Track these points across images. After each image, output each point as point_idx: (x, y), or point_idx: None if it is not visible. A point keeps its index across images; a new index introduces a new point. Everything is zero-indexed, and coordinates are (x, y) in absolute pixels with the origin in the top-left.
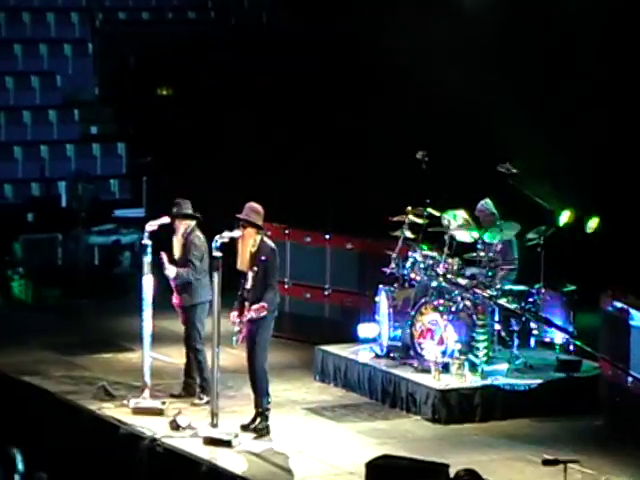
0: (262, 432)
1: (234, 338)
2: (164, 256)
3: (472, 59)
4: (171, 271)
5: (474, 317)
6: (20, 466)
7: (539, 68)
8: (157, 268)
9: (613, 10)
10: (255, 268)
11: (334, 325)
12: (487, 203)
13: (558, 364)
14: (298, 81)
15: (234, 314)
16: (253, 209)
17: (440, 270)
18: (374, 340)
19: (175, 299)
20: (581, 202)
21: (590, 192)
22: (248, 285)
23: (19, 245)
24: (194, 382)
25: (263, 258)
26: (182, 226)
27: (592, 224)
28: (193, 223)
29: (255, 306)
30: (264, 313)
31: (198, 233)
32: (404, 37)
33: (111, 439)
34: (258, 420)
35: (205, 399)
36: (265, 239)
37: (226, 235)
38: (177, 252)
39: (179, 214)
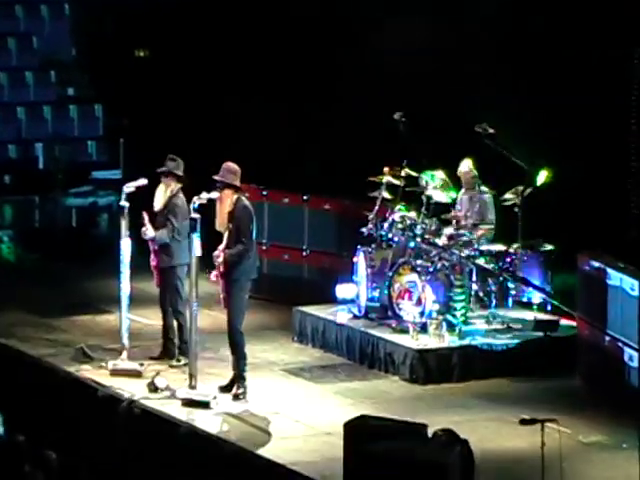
0: (241, 395)
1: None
2: (145, 217)
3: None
4: (150, 232)
5: (452, 277)
6: (0, 429)
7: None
8: (135, 230)
9: None
10: (230, 226)
11: (312, 286)
12: (468, 164)
13: (535, 324)
14: (275, 39)
15: (214, 273)
16: (229, 169)
17: (418, 231)
18: (352, 301)
19: (153, 261)
20: (558, 161)
21: (567, 151)
22: (223, 244)
23: (9, 207)
24: (172, 344)
25: (236, 217)
26: (172, 184)
27: (542, 177)
28: (180, 185)
29: (217, 253)
30: (220, 258)
31: (181, 195)
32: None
33: (89, 401)
34: (236, 384)
35: (183, 361)
36: (242, 198)
37: (204, 196)
38: (157, 205)
39: (173, 173)
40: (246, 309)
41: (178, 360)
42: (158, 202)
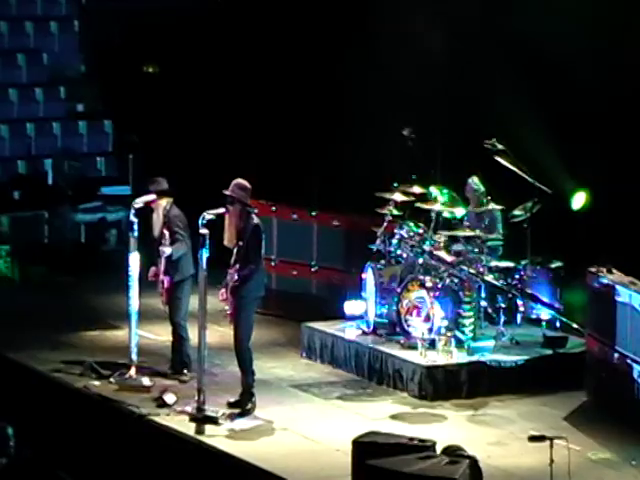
0: (249, 411)
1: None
2: (166, 233)
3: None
4: (167, 249)
5: (460, 294)
6: (11, 442)
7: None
8: (143, 245)
9: None
10: (240, 244)
11: (321, 302)
12: (475, 180)
13: (544, 340)
14: (285, 59)
15: (222, 291)
16: (239, 185)
17: (426, 247)
18: (361, 317)
19: (166, 278)
20: (569, 178)
21: (578, 168)
22: (232, 261)
23: (7, 219)
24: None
25: (247, 235)
26: (163, 202)
27: (580, 200)
28: (171, 199)
29: (232, 272)
30: (235, 278)
31: (175, 208)
32: (394, 16)
33: (98, 417)
34: (244, 400)
35: (188, 375)
36: (252, 216)
37: (212, 212)
38: (157, 230)
39: (161, 190)
40: (254, 325)
41: (183, 374)
42: (156, 227)
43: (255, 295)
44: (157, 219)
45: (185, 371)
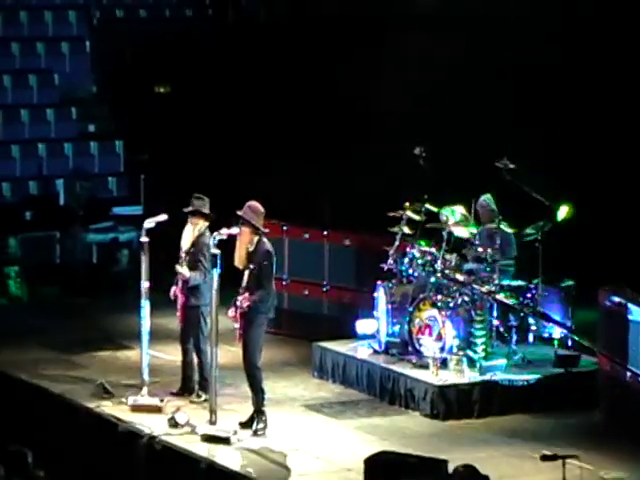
0: (260, 431)
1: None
2: (182, 254)
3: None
4: (186, 272)
5: (472, 313)
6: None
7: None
8: (155, 266)
9: None
10: (251, 266)
11: (332, 321)
12: (488, 199)
13: (556, 359)
14: (296, 78)
15: (231, 311)
16: (253, 208)
17: (438, 266)
18: (372, 336)
19: (180, 298)
20: (576, 196)
21: (584, 187)
22: (244, 283)
23: (15, 241)
24: (191, 380)
25: (259, 259)
26: (200, 222)
27: (562, 213)
28: (207, 223)
29: (242, 297)
30: (246, 303)
31: (208, 234)
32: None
33: (110, 437)
34: (255, 419)
35: (203, 397)
36: (263, 239)
37: (224, 232)
38: (185, 245)
39: (200, 211)
40: (264, 345)
41: (199, 396)
42: (186, 242)
43: (264, 318)
44: (189, 234)
45: (201, 393)
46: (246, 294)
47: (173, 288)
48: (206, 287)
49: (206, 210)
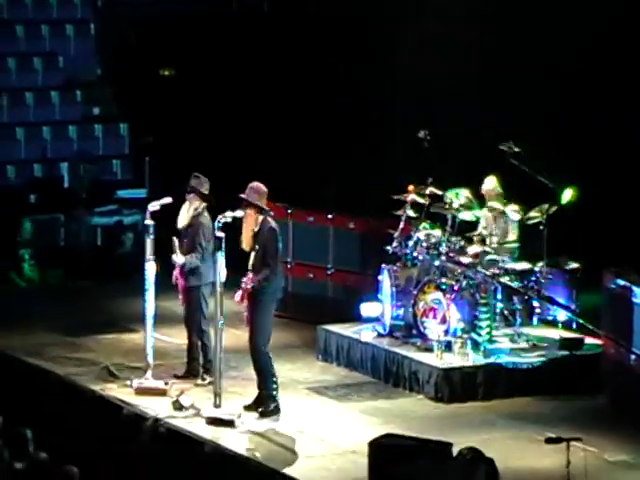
0: (271, 414)
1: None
2: (175, 242)
3: (473, 36)
4: (180, 259)
5: (477, 296)
6: (31, 447)
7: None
8: (160, 249)
9: None
10: (257, 247)
11: (337, 304)
12: (492, 182)
13: (561, 342)
14: (299, 61)
15: (238, 294)
16: (255, 189)
17: (443, 249)
18: (377, 319)
19: (180, 280)
20: (582, 179)
21: (589, 169)
22: (250, 264)
23: (29, 224)
24: (197, 362)
25: (263, 238)
26: (196, 202)
27: (567, 196)
28: (205, 204)
29: (247, 278)
30: (250, 284)
31: (206, 214)
32: (409, 20)
33: (114, 420)
34: (265, 403)
35: (208, 380)
36: (267, 219)
37: (228, 215)
38: (181, 224)
39: (198, 191)
40: (272, 328)
41: (203, 379)
42: (182, 220)
43: (272, 298)
44: (185, 213)
45: (205, 376)
46: (250, 275)
47: (174, 272)
48: (206, 267)
49: (203, 189)
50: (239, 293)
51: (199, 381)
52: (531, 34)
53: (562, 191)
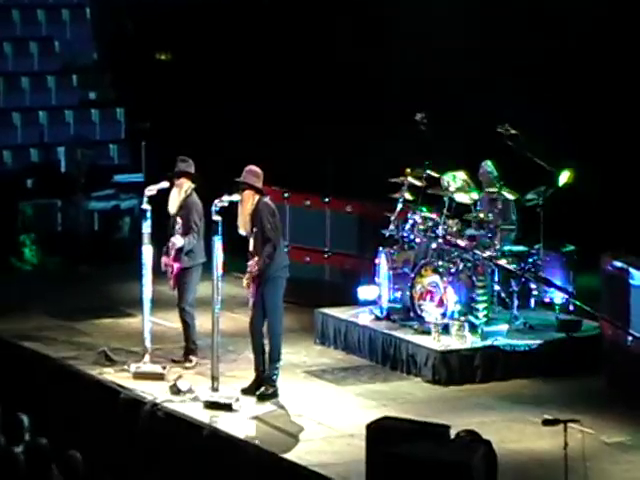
0: (270, 397)
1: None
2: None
3: (471, 18)
4: (179, 240)
5: (474, 278)
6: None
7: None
8: (156, 233)
9: None
10: (254, 229)
11: (334, 288)
12: (489, 164)
13: (558, 324)
14: (295, 44)
15: (245, 280)
16: (251, 172)
17: (440, 232)
18: (374, 302)
19: (175, 266)
20: (579, 162)
21: (588, 152)
22: (251, 248)
23: (31, 209)
24: (195, 346)
25: (260, 216)
26: (186, 184)
27: (563, 178)
28: (193, 185)
29: (251, 262)
30: (256, 268)
31: (195, 194)
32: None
33: (112, 404)
34: (264, 387)
35: (194, 361)
36: (263, 199)
37: (225, 199)
38: (173, 209)
39: (187, 172)
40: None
41: (189, 361)
42: (173, 205)
43: (281, 275)
44: (175, 197)
45: (191, 357)
46: (255, 259)
47: (163, 259)
48: (198, 247)
49: (192, 171)
50: (247, 277)
51: (186, 364)
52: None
53: (559, 173)
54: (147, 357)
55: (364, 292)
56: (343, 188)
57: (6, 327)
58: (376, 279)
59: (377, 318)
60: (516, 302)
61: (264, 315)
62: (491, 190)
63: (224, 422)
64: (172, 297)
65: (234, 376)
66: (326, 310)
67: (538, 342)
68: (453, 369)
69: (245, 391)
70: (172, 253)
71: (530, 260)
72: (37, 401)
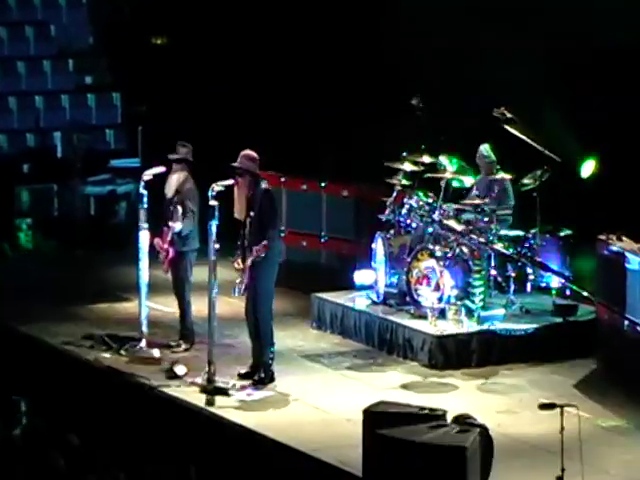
0: (265, 381)
1: (236, 288)
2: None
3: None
4: (177, 225)
5: (470, 263)
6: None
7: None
8: (153, 218)
9: None
10: (252, 213)
11: (330, 272)
12: (486, 149)
13: (554, 309)
14: (293, 28)
15: (237, 262)
16: (247, 156)
17: (436, 216)
18: (370, 287)
19: (169, 248)
20: (578, 145)
21: (586, 135)
22: (247, 231)
23: (27, 193)
24: (191, 331)
25: (258, 200)
26: (184, 170)
27: (588, 168)
28: (187, 169)
29: (257, 247)
30: (263, 254)
31: (190, 181)
32: None
33: (108, 389)
34: (262, 370)
35: (183, 346)
36: (260, 183)
37: (221, 183)
38: (170, 193)
39: (184, 159)
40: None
41: (179, 345)
42: (170, 189)
43: (274, 261)
44: (173, 182)
45: (181, 342)
46: (264, 242)
47: (156, 240)
48: (194, 232)
49: (191, 158)
50: (238, 261)
51: (175, 348)
52: None
53: (582, 163)
54: (144, 342)
55: (360, 277)
56: (339, 172)
57: (2, 312)
58: (372, 264)
59: (373, 303)
60: (512, 286)
61: None
62: (488, 174)
63: (220, 406)
64: (168, 282)
65: (230, 361)
66: (322, 295)
67: (534, 326)
68: (449, 353)
69: (242, 376)
70: (168, 238)
71: (526, 244)
72: (34, 386)
